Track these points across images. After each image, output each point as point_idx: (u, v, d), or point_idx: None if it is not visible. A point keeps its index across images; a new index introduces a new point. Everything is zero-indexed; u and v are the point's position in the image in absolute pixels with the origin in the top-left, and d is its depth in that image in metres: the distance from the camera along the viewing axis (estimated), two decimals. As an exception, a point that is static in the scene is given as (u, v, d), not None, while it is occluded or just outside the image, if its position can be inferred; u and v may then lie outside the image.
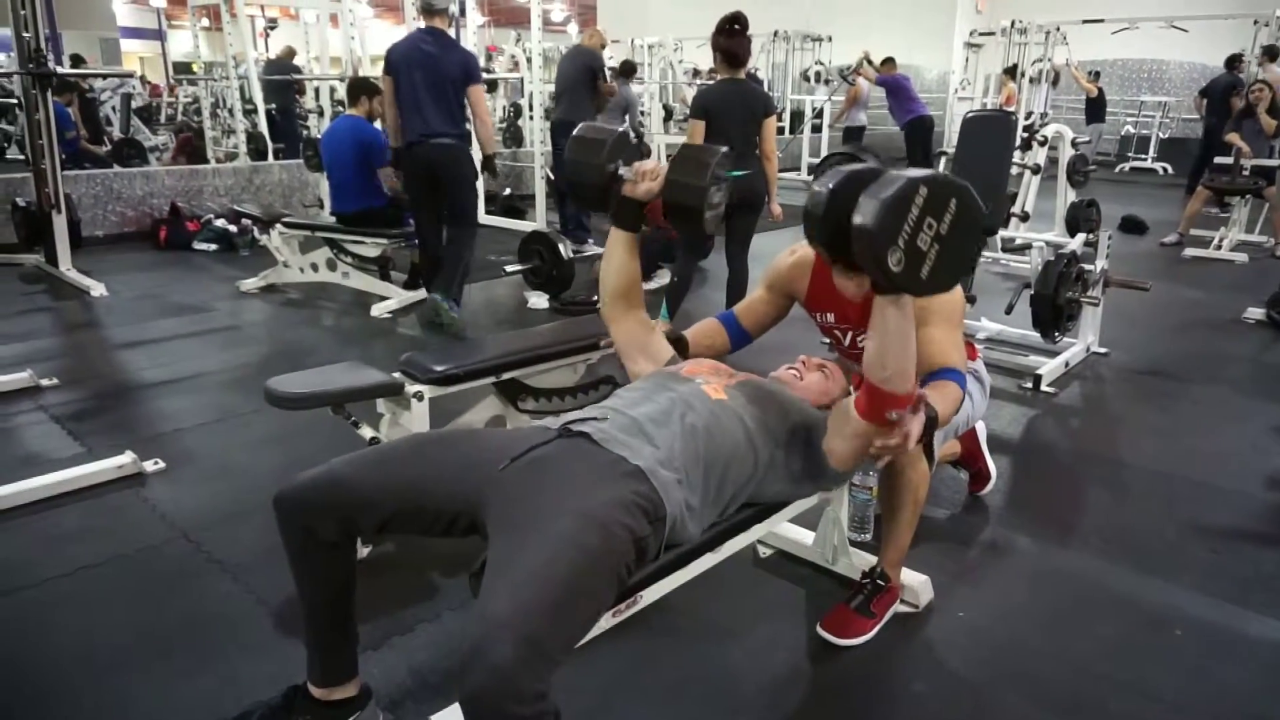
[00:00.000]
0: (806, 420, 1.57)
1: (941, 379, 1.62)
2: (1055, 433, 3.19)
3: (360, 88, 4.63)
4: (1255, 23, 9.14)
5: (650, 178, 1.67)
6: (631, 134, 5.84)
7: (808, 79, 10.83)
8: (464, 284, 4.25)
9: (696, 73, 10.24)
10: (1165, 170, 11.13)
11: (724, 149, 1.71)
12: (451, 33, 4.35)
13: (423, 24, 4.09)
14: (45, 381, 3.26)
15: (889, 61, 8.85)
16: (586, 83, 5.74)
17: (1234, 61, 8.80)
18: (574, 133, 1.71)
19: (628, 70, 7.58)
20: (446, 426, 2.14)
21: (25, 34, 4.37)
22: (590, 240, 5.98)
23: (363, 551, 2.10)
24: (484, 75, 7.50)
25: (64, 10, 10.89)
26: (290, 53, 9.07)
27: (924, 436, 1.42)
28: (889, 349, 1.27)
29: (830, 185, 1.32)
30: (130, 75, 7.32)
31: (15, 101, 7.00)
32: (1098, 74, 11.23)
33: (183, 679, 1.72)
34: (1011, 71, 9.94)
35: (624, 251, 1.76)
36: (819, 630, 1.85)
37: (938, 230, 1.15)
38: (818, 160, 10.06)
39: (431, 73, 3.93)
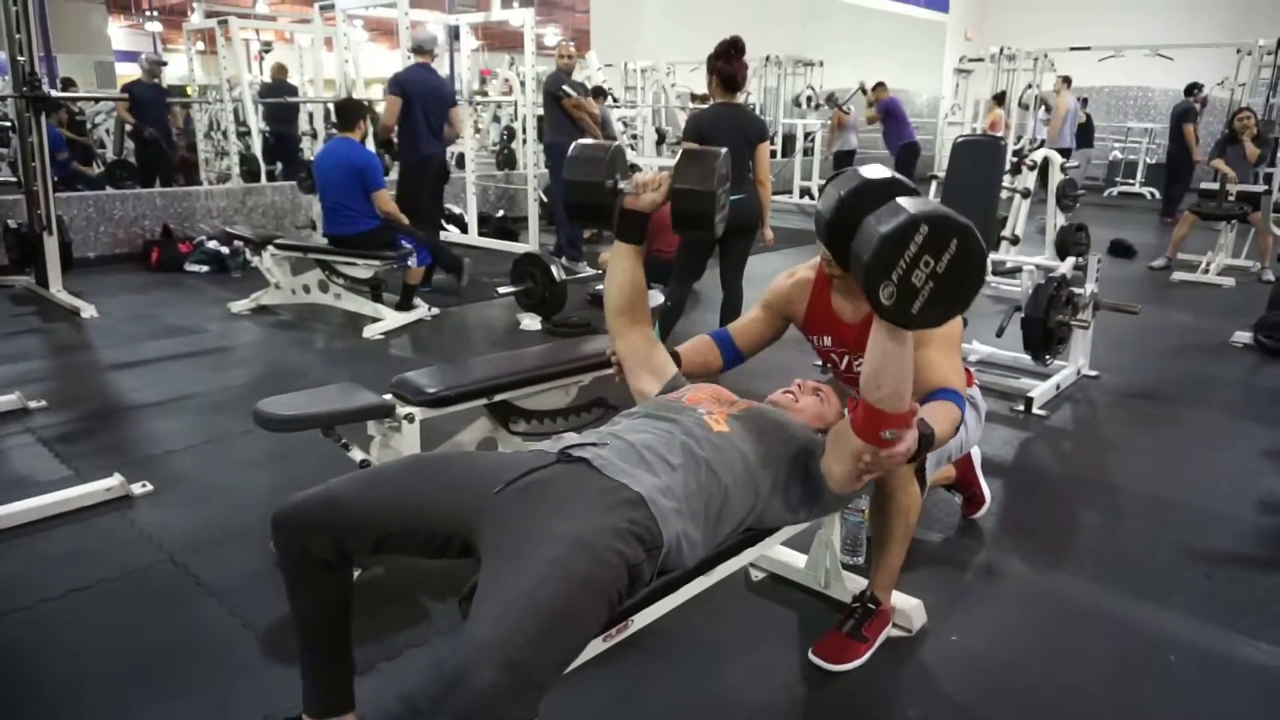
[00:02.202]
0: (806, 447, 1.56)
1: (940, 399, 1.62)
2: (1047, 456, 3.20)
3: (354, 110, 4.66)
4: (1238, 51, 9.30)
5: (652, 188, 1.67)
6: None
7: (799, 104, 10.94)
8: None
9: (694, 97, 10.33)
10: (1152, 195, 11.25)
11: (724, 150, 1.71)
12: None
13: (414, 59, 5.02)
14: (34, 403, 3.24)
15: (880, 86, 8.96)
16: (553, 104, 5.83)
17: (1192, 90, 8.96)
18: (570, 152, 1.71)
19: (597, 93, 7.63)
20: (441, 448, 2.13)
21: (20, 58, 4.39)
22: (584, 262, 6.00)
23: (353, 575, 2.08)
24: (476, 98, 7.52)
25: (59, 34, 10.95)
26: (282, 70, 9.08)
27: (918, 454, 1.41)
28: (885, 369, 1.27)
29: (842, 193, 1.31)
30: (124, 98, 7.32)
31: (9, 125, 7.02)
32: (1085, 100, 11.38)
33: (170, 704, 1.69)
34: (1000, 98, 10.06)
35: (629, 264, 1.76)
36: (811, 657, 1.84)
37: (934, 268, 1.14)
38: (809, 183, 10.16)
39: (436, 100, 4.92)
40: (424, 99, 4.87)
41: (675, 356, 1.89)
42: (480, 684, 0.99)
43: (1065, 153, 8.21)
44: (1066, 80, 9.39)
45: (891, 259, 1.13)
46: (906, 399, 1.30)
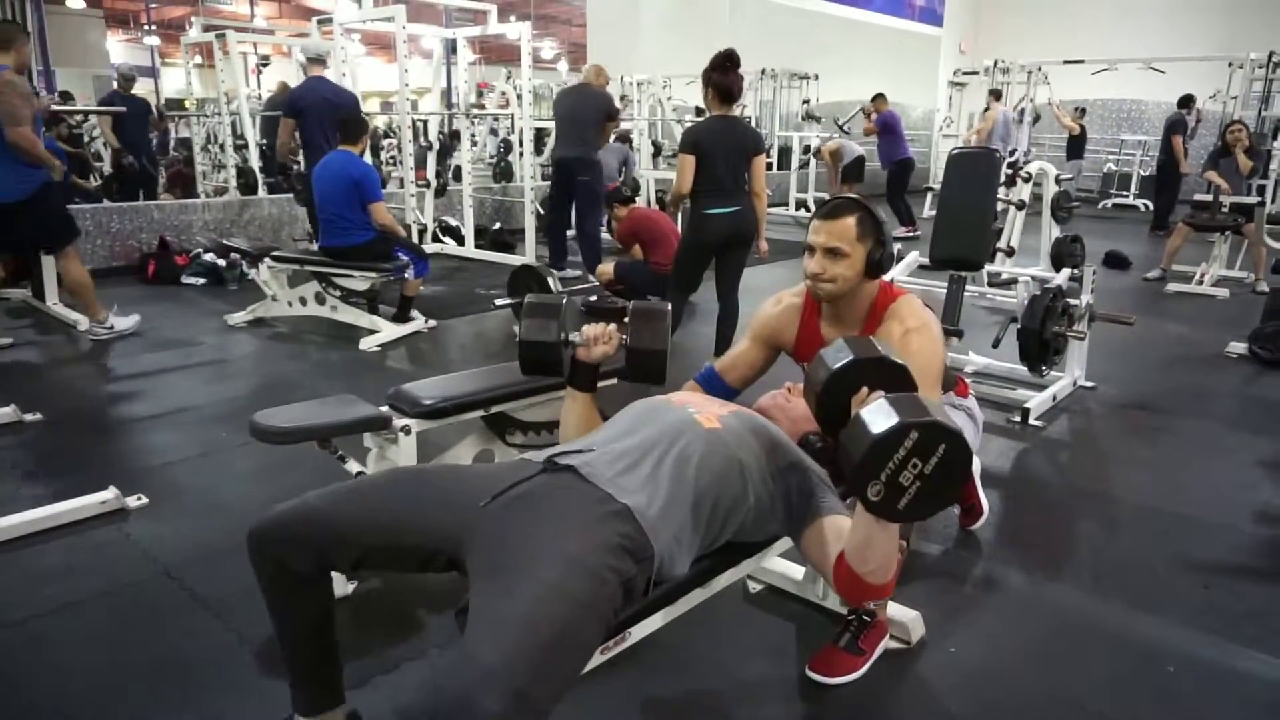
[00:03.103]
0: (798, 465, 1.53)
1: None
2: (1044, 467, 3.20)
3: (357, 124, 4.67)
4: (1230, 65, 9.37)
5: (603, 341, 1.69)
6: (627, 189, 5.92)
7: (806, 117, 10.98)
8: None
9: (700, 111, 10.38)
10: (1146, 206, 11.29)
11: (668, 305, 1.77)
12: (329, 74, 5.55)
13: (314, 72, 5.21)
14: (29, 416, 3.23)
15: (880, 98, 8.99)
16: (599, 123, 5.85)
17: (1186, 102, 9.02)
18: (526, 302, 1.74)
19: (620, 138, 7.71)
20: (429, 462, 2.12)
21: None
22: (566, 266, 6.11)
23: (347, 588, 2.07)
24: (473, 111, 7.58)
25: (57, 48, 10.98)
26: (284, 88, 9.12)
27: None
28: (872, 548, 1.27)
29: (834, 368, 1.38)
30: (121, 111, 7.32)
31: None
32: (1083, 111, 11.46)
33: (165, 718, 1.68)
34: (997, 94, 10.03)
35: (583, 410, 1.74)
36: (808, 672, 1.83)
37: (921, 470, 1.18)
38: (806, 195, 10.17)
39: (331, 111, 5.04)
40: (318, 112, 5.06)
41: None
42: (481, 710, 0.99)
43: None
44: (996, 94, 9.67)
45: (881, 461, 1.18)
46: (891, 572, 1.31)
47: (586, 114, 5.83)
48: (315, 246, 4.92)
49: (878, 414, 1.20)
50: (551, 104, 6.12)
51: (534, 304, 1.72)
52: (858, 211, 1.77)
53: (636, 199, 6.17)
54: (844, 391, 1.37)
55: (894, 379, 1.36)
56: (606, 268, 5.49)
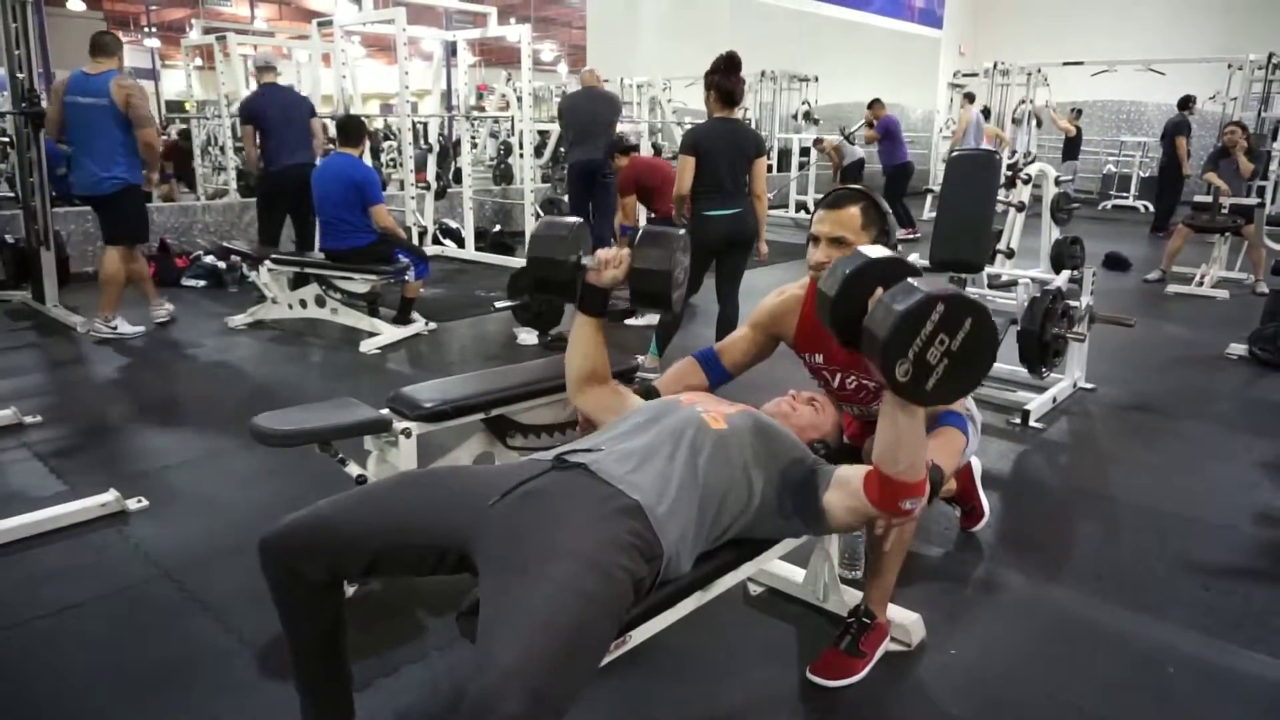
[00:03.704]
0: (803, 459, 1.55)
1: (942, 426, 1.61)
2: (1045, 468, 3.20)
3: (357, 126, 4.68)
4: (1229, 66, 9.37)
5: (613, 265, 1.70)
6: (628, 139, 5.92)
7: (796, 118, 11.00)
8: None
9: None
10: (1146, 208, 11.30)
11: (682, 231, 1.75)
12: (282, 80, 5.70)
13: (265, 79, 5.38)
14: (29, 419, 3.23)
15: (877, 103, 9.00)
16: (614, 124, 5.91)
17: (1186, 103, 9.03)
18: (535, 229, 1.76)
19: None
20: (437, 463, 2.13)
21: (19, 74, 4.40)
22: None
23: (347, 591, 2.07)
24: (474, 113, 7.60)
25: (58, 50, 10.97)
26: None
27: (930, 499, 1.42)
28: (901, 443, 1.27)
29: (847, 271, 1.33)
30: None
31: (7, 140, 7.00)
32: (1080, 112, 11.45)
33: (163, 723, 1.68)
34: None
35: (591, 336, 1.77)
36: (809, 675, 1.83)
37: (949, 346, 1.16)
38: (805, 197, 10.18)
39: (285, 117, 5.26)
40: (273, 119, 5.23)
41: (653, 393, 1.87)
42: (503, 711, 0.99)
43: None
44: (969, 97, 9.77)
45: (908, 337, 1.15)
46: (923, 468, 1.31)
47: (608, 116, 5.91)
48: (317, 249, 4.94)
49: (901, 292, 1.18)
50: (561, 108, 6.08)
51: (548, 223, 1.74)
52: (862, 201, 1.78)
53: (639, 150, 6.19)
54: (860, 296, 1.31)
55: (910, 276, 1.31)
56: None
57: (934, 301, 1.15)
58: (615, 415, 1.71)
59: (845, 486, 1.43)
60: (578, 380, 1.79)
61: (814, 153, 10.45)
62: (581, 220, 1.80)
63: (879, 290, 1.30)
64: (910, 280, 1.21)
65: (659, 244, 1.69)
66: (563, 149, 7.59)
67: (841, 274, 1.34)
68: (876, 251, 1.36)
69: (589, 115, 5.92)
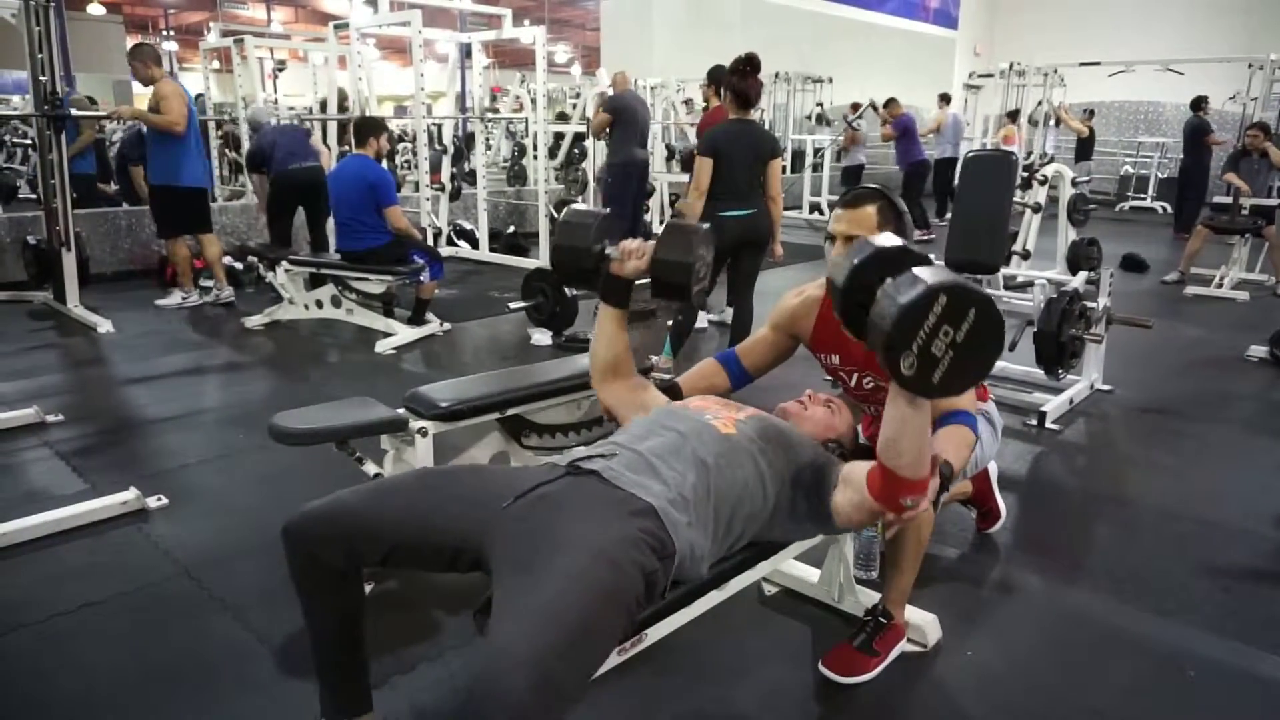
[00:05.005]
0: (815, 461, 1.55)
1: (952, 423, 1.61)
2: (1062, 470, 3.18)
3: (369, 127, 4.70)
4: (1250, 66, 9.27)
5: (636, 256, 1.71)
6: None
7: (810, 119, 10.99)
8: None
9: (689, 103, 10.46)
10: (1164, 209, 11.20)
11: (706, 225, 1.75)
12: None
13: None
14: (51, 418, 3.27)
15: (893, 102, 8.99)
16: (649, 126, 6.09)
17: (1199, 104, 8.96)
18: (562, 217, 1.77)
19: None
20: (451, 462, 2.14)
21: (42, 77, 4.45)
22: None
23: (365, 588, 2.09)
24: (488, 115, 7.64)
25: (78, 54, 11.10)
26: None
27: (939, 493, 1.42)
28: (904, 436, 1.27)
29: (854, 261, 1.33)
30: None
31: (29, 143, 7.07)
32: (1092, 113, 11.37)
33: (185, 718, 1.69)
34: (1014, 115, 10.11)
35: (613, 326, 1.78)
36: (821, 668, 1.83)
37: (954, 338, 1.15)
38: (819, 198, 10.16)
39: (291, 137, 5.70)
40: (273, 145, 5.63)
41: (676, 390, 1.88)
42: (513, 699, 0.99)
43: (950, 162, 9.05)
44: (945, 98, 9.79)
45: (912, 329, 1.14)
46: (926, 464, 1.30)
47: (646, 117, 6.07)
48: (333, 250, 4.98)
49: (904, 283, 1.17)
50: (614, 108, 6.04)
51: (572, 211, 1.75)
52: (879, 200, 1.79)
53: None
54: (868, 285, 1.29)
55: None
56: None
57: (936, 293, 1.13)
58: (637, 411, 1.72)
59: (850, 482, 1.44)
60: (601, 371, 1.81)
61: (828, 154, 10.45)
62: (607, 211, 1.82)
63: (889, 282, 1.29)
64: (914, 271, 1.19)
65: (681, 236, 1.70)
66: (583, 147, 7.60)
67: (849, 264, 1.34)
68: (884, 240, 1.36)
69: (644, 117, 6.08)
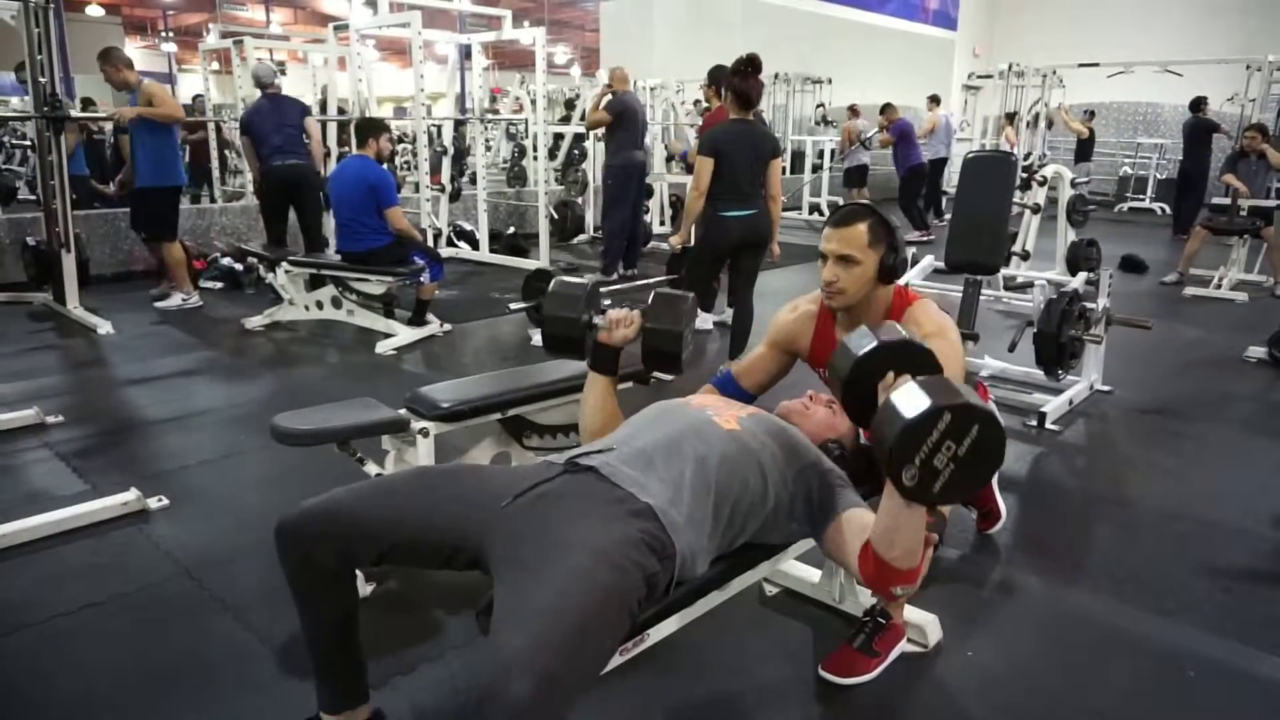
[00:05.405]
0: (817, 463, 1.55)
1: None
2: (1061, 471, 3.18)
3: (369, 128, 4.71)
4: (1248, 67, 9.29)
5: (624, 325, 1.72)
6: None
7: (815, 122, 11.01)
8: None
9: (697, 103, 10.48)
10: (1163, 210, 11.21)
11: (692, 295, 1.77)
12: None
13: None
14: (51, 419, 3.27)
15: (890, 107, 9.00)
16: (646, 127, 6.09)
17: (1198, 105, 8.97)
18: (550, 289, 1.79)
19: None
20: (450, 462, 2.14)
21: (41, 79, 4.45)
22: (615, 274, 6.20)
23: (365, 590, 2.09)
24: (487, 116, 7.67)
25: (77, 55, 11.10)
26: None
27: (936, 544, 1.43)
28: (900, 532, 1.27)
29: (858, 356, 1.36)
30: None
31: (29, 144, 7.07)
32: (1092, 114, 11.38)
33: (185, 718, 1.70)
34: (1011, 116, 10.14)
35: (602, 394, 1.77)
36: (821, 671, 1.83)
37: (955, 452, 1.17)
38: (819, 199, 10.17)
39: (277, 123, 5.49)
40: (264, 126, 5.46)
41: None
42: (515, 697, 1.00)
43: (941, 163, 9.51)
44: (935, 99, 9.88)
45: (915, 446, 1.16)
46: (919, 556, 1.30)
47: (644, 118, 6.08)
48: (333, 251, 4.98)
49: (909, 398, 1.19)
50: (618, 110, 6.03)
51: (560, 283, 1.78)
52: (869, 218, 1.79)
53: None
54: (870, 377, 1.35)
55: (920, 363, 1.35)
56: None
57: (940, 412, 1.16)
58: None
59: (844, 544, 1.41)
60: (590, 436, 1.77)
61: (828, 156, 10.46)
62: (594, 281, 1.84)
63: (890, 375, 1.34)
64: (918, 385, 1.20)
65: (671, 305, 1.72)
66: (581, 148, 7.60)
67: (852, 357, 1.37)
68: (886, 334, 1.38)
69: (642, 116, 6.09)
